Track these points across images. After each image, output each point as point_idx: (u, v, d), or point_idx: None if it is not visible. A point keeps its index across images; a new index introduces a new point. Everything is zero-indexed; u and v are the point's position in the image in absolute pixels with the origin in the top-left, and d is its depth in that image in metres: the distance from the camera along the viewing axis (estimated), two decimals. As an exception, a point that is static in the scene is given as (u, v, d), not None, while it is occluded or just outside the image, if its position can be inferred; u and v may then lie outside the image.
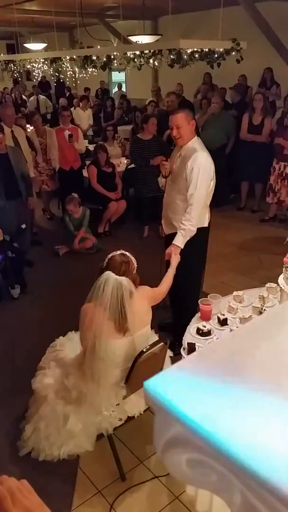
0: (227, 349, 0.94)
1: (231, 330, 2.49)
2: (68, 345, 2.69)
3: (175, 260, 2.84)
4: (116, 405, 2.32)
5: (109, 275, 2.17)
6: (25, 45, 10.98)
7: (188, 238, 3.01)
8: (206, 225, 3.18)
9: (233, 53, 6.32)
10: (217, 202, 6.16)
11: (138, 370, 2.26)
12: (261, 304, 2.66)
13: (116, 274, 2.19)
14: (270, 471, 0.65)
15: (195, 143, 3.05)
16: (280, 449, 0.69)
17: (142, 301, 2.33)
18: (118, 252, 2.31)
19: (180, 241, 2.99)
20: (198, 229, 3.08)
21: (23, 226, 4.61)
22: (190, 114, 3.04)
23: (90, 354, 2.24)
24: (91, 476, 2.48)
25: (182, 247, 2.98)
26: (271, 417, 0.75)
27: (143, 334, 2.36)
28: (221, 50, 6.28)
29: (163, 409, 0.79)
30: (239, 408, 0.77)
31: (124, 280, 2.17)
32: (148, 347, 2.28)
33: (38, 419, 2.40)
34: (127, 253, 2.33)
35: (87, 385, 2.29)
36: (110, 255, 2.30)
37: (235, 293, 2.85)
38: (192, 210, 2.96)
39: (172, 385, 0.82)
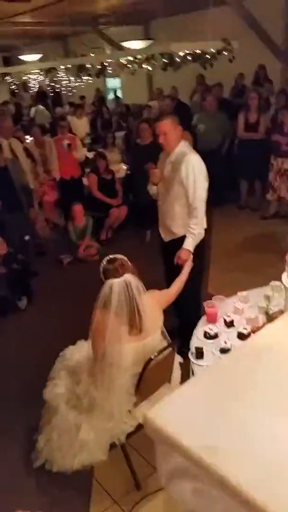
0: (225, 372, 0.93)
1: (238, 333, 2.48)
2: (78, 355, 2.69)
3: (188, 266, 2.84)
4: (128, 411, 2.32)
5: (111, 281, 2.19)
6: (20, 57, 11.08)
7: (197, 242, 3.04)
8: (204, 226, 3.19)
9: (225, 53, 6.32)
10: (216, 202, 6.20)
11: (147, 377, 2.26)
12: (267, 304, 2.65)
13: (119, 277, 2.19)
14: (275, 504, 0.64)
15: (184, 147, 3.06)
16: (283, 476, 0.68)
17: (153, 305, 2.34)
18: (105, 261, 2.29)
19: (191, 245, 3.02)
20: None
21: (27, 237, 4.64)
22: (176, 120, 3.03)
23: (100, 360, 2.24)
24: (106, 486, 2.48)
25: (192, 251, 3.00)
26: (275, 446, 0.74)
27: (154, 339, 2.37)
28: (212, 50, 6.28)
29: (163, 441, 0.78)
30: (241, 437, 0.76)
31: (129, 277, 2.19)
32: (155, 354, 2.28)
33: (50, 430, 2.41)
34: (111, 256, 2.32)
35: (97, 391, 2.29)
36: (101, 267, 2.28)
37: (239, 293, 2.85)
38: (198, 213, 3.00)
39: (172, 417, 0.82)
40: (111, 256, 2.33)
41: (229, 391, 0.85)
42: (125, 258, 2.33)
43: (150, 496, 2.38)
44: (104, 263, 2.29)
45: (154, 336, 2.37)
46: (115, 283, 2.17)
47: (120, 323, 2.19)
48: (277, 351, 0.96)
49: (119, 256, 2.33)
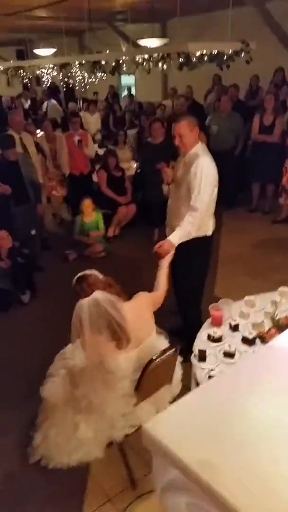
0: (228, 386, 0.89)
1: (243, 337, 2.44)
2: (77, 353, 2.65)
3: (167, 260, 2.75)
4: (127, 413, 2.28)
5: (80, 303, 2.16)
6: (34, 50, 11.06)
7: (185, 240, 2.91)
8: (209, 233, 3.09)
9: (243, 54, 6.26)
10: (228, 205, 6.15)
11: (148, 378, 2.22)
12: (273, 309, 2.61)
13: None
14: None
15: (199, 149, 2.99)
16: (280, 498, 0.65)
17: (141, 310, 2.30)
18: (74, 281, 2.34)
19: (176, 238, 2.88)
20: (201, 238, 3.00)
21: (33, 232, 4.62)
22: (192, 121, 2.97)
23: (97, 370, 2.21)
24: (101, 483, 2.45)
25: (176, 245, 2.87)
26: (274, 468, 0.70)
27: (148, 344, 2.32)
28: (230, 52, 6.21)
29: (160, 453, 0.75)
30: (239, 455, 0.72)
31: (96, 294, 2.15)
32: (158, 354, 2.24)
33: (47, 427, 2.39)
34: (79, 275, 2.35)
35: (96, 395, 2.26)
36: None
37: (246, 298, 2.80)
38: (198, 214, 2.88)
39: (170, 429, 0.78)
40: (79, 275, 2.32)
41: (231, 405, 0.82)
42: (94, 273, 2.31)
43: (145, 495, 2.35)
44: (73, 283, 2.29)
45: (148, 339, 2.33)
46: (84, 304, 2.14)
47: (102, 339, 2.14)
48: (286, 365, 0.92)
49: (88, 272, 2.32)
